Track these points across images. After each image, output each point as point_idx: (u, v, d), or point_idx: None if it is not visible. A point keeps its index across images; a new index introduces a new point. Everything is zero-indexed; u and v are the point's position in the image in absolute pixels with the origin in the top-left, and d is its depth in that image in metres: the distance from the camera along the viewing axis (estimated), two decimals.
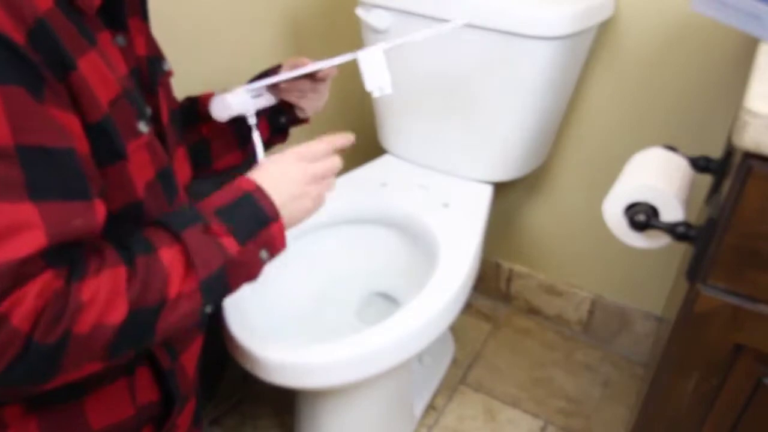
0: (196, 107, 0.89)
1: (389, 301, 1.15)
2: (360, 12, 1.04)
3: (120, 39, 0.66)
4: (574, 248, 1.34)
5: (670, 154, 0.77)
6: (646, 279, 1.28)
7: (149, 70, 0.72)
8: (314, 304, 1.07)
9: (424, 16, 0.99)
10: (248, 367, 0.81)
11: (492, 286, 1.50)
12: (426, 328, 0.86)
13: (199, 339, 0.75)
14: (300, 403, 1.05)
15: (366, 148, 1.18)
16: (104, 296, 0.53)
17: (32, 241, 0.49)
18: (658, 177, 0.71)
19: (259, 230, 0.64)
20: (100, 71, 0.59)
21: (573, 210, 1.30)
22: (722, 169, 0.72)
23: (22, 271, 0.49)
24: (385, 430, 1.09)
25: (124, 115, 0.62)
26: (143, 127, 0.65)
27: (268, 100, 0.88)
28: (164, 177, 0.70)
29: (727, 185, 0.59)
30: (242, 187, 0.66)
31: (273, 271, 0.97)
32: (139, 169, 0.64)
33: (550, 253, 1.38)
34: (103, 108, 0.58)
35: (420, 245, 1.05)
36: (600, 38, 1.09)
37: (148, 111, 0.67)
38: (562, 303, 1.42)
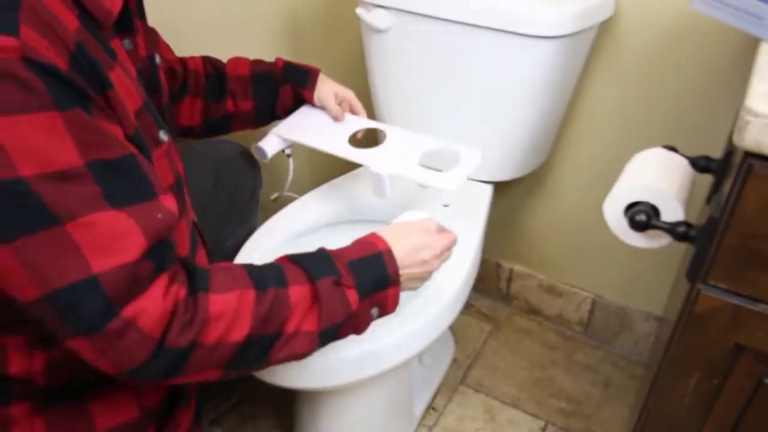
0: (225, 83, 0.97)
1: None
2: (360, 11, 1.04)
3: (126, 43, 0.67)
4: (574, 248, 1.34)
5: (671, 154, 0.77)
6: (646, 279, 1.28)
7: (149, 70, 0.73)
8: None
9: (424, 16, 0.99)
10: None
11: (492, 286, 1.50)
12: (426, 329, 0.86)
13: None
14: (300, 403, 1.05)
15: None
16: (231, 314, 0.58)
17: (135, 243, 0.53)
18: (658, 177, 0.71)
19: (378, 290, 0.68)
20: (125, 85, 0.61)
21: (573, 210, 1.30)
22: (723, 168, 0.72)
23: (137, 274, 0.53)
24: (385, 431, 1.09)
25: (147, 125, 0.65)
26: (164, 135, 0.69)
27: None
28: (179, 183, 0.71)
29: (727, 185, 0.59)
30: (377, 246, 0.69)
31: None
32: (162, 176, 0.65)
33: (551, 253, 1.38)
34: (132, 121, 0.60)
35: None
36: (600, 38, 1.08)
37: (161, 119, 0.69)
38: (562, 303, 1.42)
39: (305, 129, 1.00)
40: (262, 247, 0.98)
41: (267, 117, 1.02)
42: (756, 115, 0.50)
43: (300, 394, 1.04)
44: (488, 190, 1.13)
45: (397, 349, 0.84)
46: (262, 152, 1.00)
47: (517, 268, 1.44)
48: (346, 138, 0.99)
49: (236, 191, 1.07)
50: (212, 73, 0.98)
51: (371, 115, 1.24)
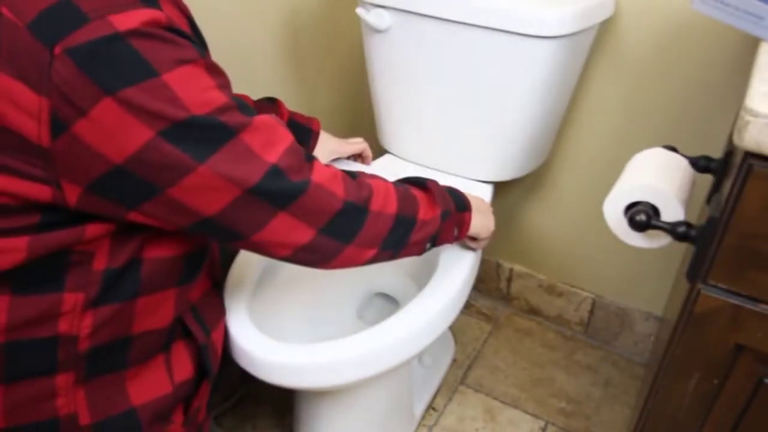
0: None
1: (389, 301, 1.15)
2: (360, 11, 1.04)
3: None
4: (574, 248, 1.34)
5: (671, 154, 0.77)
6: (646, 279, 1.28)
7: None
8: (314, 304, 1.07)
9: (424, 16, 0.99)
10: (247, 367, 0.81)
11: (492, 286, 1.50)
12: (426, 329, 0.86)
13: (223, 320, 0.81)
14: (299, 403, 1.05)
15: None
16: (384, 191, 0.74)
17: (284, 132, 0.66)
18: (658, 177, 0.71)
19: (461, 210, 0.86)
20: None
21: (573, 210, 1.30)
22: (723, 168, 0.72)
23: (299, 152, 0.66)
24: (385, 431, 1.09)
25: None
26: None
27: None
28: None
29: (727, 185, 0.59)
30: (452, 187, 0.88)
31: (273, 270, 0.98)
32: None
33: (551, 253, 1.38)
34: None
35: None
36: (600, 38, 1.08)
37: None
38: (562, 303, 1.42)
39: None
40: None
41: None
42: (756, 115, 0.50)
43: (300, 394, 1.04)
44: (488, 190, 1.13)
45: (397, 349, 0.84)
46: None
47: (517, 268, 1.44)
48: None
49: None
50: None
51: (371, 114, 1.24)
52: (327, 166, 0.70)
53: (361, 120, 1.43)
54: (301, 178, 0.65)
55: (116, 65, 0.53)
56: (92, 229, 0.61)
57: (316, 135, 1.07)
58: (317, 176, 0.67)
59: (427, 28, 1.00)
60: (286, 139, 0.65)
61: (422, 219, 0.78)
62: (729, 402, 0.65)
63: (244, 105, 0.63)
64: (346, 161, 1.16)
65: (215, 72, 0.61)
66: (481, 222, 0.90)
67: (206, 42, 0.68)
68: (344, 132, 1.18)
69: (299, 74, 1.42)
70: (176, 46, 0.57)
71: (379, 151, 1.23)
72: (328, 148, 1.09)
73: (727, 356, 0.62)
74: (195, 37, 0.62)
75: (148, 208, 0.60)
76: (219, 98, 0.59)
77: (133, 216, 0.61)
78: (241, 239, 0.66)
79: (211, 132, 0.59)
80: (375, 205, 0.72)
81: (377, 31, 1.06)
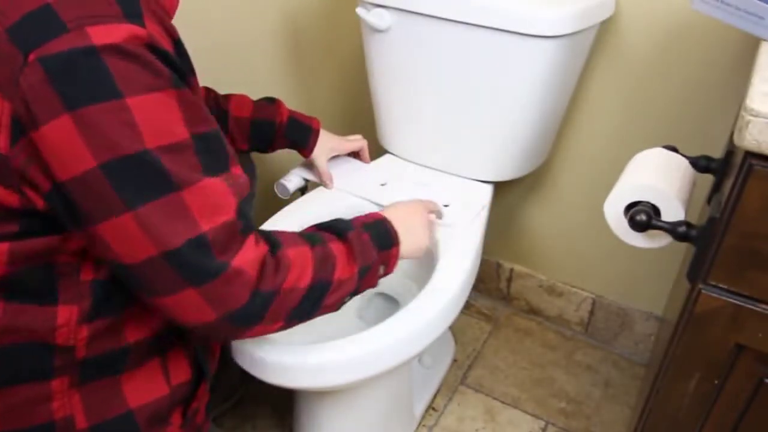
0: (226, 122, 1.01)
1: (389, 301, 1.15)
2: (360, 11, 1.04)
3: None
4: (574, 248, 1.34)
5: (671, 154, 0.77)
6: (646, 279, 1.28)
7: None
8: None
9: (424, 16, 0.99)
10: (247, 367, 0.80)
11: (492, 286, 1.50)
12: (426, 328, 0.86)
13: None
14: (299, 403, 1.05)
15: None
16: (301, 263, 0.68)
17: (231, 204, 0.61)
18: (658, 177, 0.71)
19: (387, 249, 0.80)
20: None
21: (573, 210, 1.30)
22: (723, 168, 0.72)
23: (235, 230, 0.61)
24: (385, 431, 1.09)
25: None
26: None
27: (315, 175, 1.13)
28: None
29: (728, 185, 0.59)
30: (376, 216, 0.83)
31: None
32: None
33: (551, 253, 1.38)
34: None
35: None
36: (600, 37, 1.08)
37: None
38: (562, 303, 1.42)
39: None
40: None
41: (256, 151, 1.09)
42: (756, 114, 0.50)
43: (300, 394, 1.04)
44: (488, 190, 1.13)
45: (397, 349, 0.84)
46: (285, 189, 1.11)
47: (517, 268, 1.44)
48: (363, 181, 1.12)
49: None
50: (213, 109, 0.99)
51: (371, 114, 1.24)
52: (257, 245, 0.64)
53: (361, 120, 1.43)
54: (223, 259, 0.60)
55: (84, 80, 0.52)
56: (75, 239, 0.60)
57: (317, 133, 1.07)
58: (240, 260, 0.61)
59: (427, 27, 1.00)
60: (229, 211, 0.61)
61: (338, 279, 0.72)
62: (729, 402, 0.65)
63: (213, 148, 0.60)
64: (345, 158, 1.16)
65: (188, 105, 0.58)
66: (411, 244, 0.85)
67: (193, 67, 0.64)
68: (344, 132, 1.18)
69: (299, 74, 1.42)
70: (151, 71, 0.54)
71: (379, 150, 1.23)
72: (327, 146, 1.09)
73: (728, 356, 0.62)
74: (180, 62, 0.59)
75: (78, 236, 0.59)
76: (180, 134, 0.57)
77: (76, 237, 0.60)
78: (146, 296, 0.62)
79: (154, 178, 0.56)
80: (288, 284, 0.66)
81: (377, 31, 1.06)
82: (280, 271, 0.66)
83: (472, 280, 0.97)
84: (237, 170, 0.64)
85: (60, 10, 0.52)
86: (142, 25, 0.54)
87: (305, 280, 0.68)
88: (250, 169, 1.13)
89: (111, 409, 0.68)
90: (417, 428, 1.20)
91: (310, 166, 1.13)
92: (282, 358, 0.78)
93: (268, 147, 1.06)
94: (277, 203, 1.11)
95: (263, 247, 0.65)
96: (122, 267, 0.59)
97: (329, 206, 1.08)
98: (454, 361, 1.35)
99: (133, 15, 0.54)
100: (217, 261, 0.60)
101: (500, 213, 1.38)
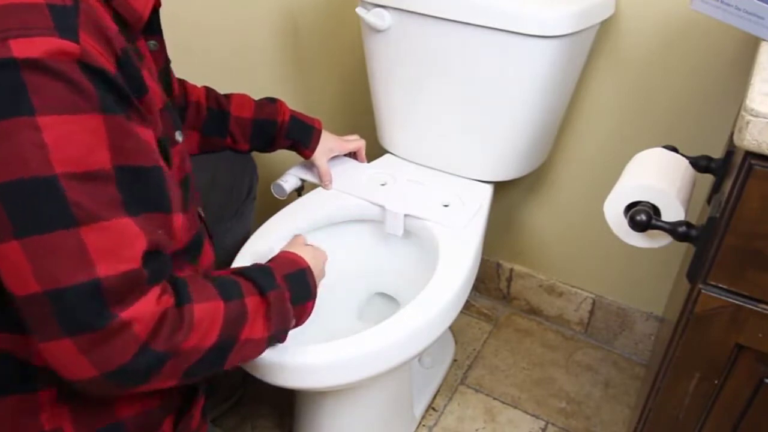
0: (227, 122, 1.00)
1: (389, 301, 1.15)
2: (360, 11, 1.04)
3: (152, 44, 0.69)
4: (574, 248, 1.34)
5: (671, 154, 0.77)
6: (646, 279, 1.28)
7: (168, 70, 0.74)
8: None
9: (424, 15, 0.99)
10: (247, 367, 0.80)
11: (492, 286, 1.50)
12: (426, 328, 0.86)
13: None
14: (299, 404, 1.05)
15: (366, 148, 1.18)
16: (208, 322, 0.61)
17: (139, 250, 0.55)
18: (659, 177, 0.71)
19: (302, 302, 0.75)
20: (153, 87, 0.62)
21: (573, 210, 1.30)
22: (723, 168, 0.72)
23: (136, 280, 0.55)
24: (385, 431, 1.09)
25: (166, 126, 0.67)
26: (179, 136, 0.71)
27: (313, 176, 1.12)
28: (186, 181, 0.72)
29: (728, 185, 0.59)
30: (301, 264, 0.77)
31: None
32: (173, 175, 0.67)
33: (551, 253, 1.38)
34: (159, 122, 0.62)
35: (420, 245, 1.05)
36: (600, 37, 1.08)
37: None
38: (562, 303, 1.42)
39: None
40: (264, 245, 0.97)
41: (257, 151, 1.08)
42: (756, 114, 0.50)
43: (300, 394, 1.04)
44: (488, 190, 1.13)
45: (397, 349, 0.84)
46: (281, 189, 1.10)
47: (517, 268, 1.44)
48: (362, 182, 1.11)
49: (233, 189, 1.09)
50: (215, 109, 0.98)
51: (371, 114, 1.24)
52: (159, 298, 0.57)
53: (361, 120, 1.43)
54: (113, 311, 0.53)
55: None
56: None
57: (319, 133, 1.07)
58: (132, 312, 0.54)
59: (427, 27, 1.00)
60: (134, 259, 0.54)
61: (246, 339, 0.66)
62: (729, 402, 0.65)
63: (144, 184, 0.56)
64: (342, 158, 1.16)
65: (119, 133, 0.53)
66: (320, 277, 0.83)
67: (143, 85, 0.58)
68: (344, 132, 1.18)
69: (299, 74, 1.42)
70: (74, 90, 0.50)
71: (379, 150, 1.23)
72: (327, 146, 1.09)
73: (728, 356, 0.62)
74: (126, 82, 0.55)
75: None
76: (98, 163, 0.52)
77: None
78: (31, 336, 0.55)
79: (52, 208, 0.50)
80: (188, 344, 0.59)
81: (377, 30, 1.06)
82: (182, 329, 0.59)
83: (472, 280, 0.97)
84: (176, 220, 0.60)
85: None
86: (75, 40, 0.50)
87: (210, 339, 0.62)
88: (250, 169, 1.13)
89: (100, 420, 0.66)
90: (417, 428, 1.20)
91: (306, 166, 1.12)
92: (282, 358, 0.78)
93: (269, 147, 1.06)
94: (276, 203, 1.11)
95: (167, 301, 0.58)
96: (14, 297, 0.53)
97: (329, 207, 1.08)
98: (454, 361, 1.35)
99: (65, 29, 0.50)
100: (105, 311, 0.53)
101: (500, 213, 1.38)
